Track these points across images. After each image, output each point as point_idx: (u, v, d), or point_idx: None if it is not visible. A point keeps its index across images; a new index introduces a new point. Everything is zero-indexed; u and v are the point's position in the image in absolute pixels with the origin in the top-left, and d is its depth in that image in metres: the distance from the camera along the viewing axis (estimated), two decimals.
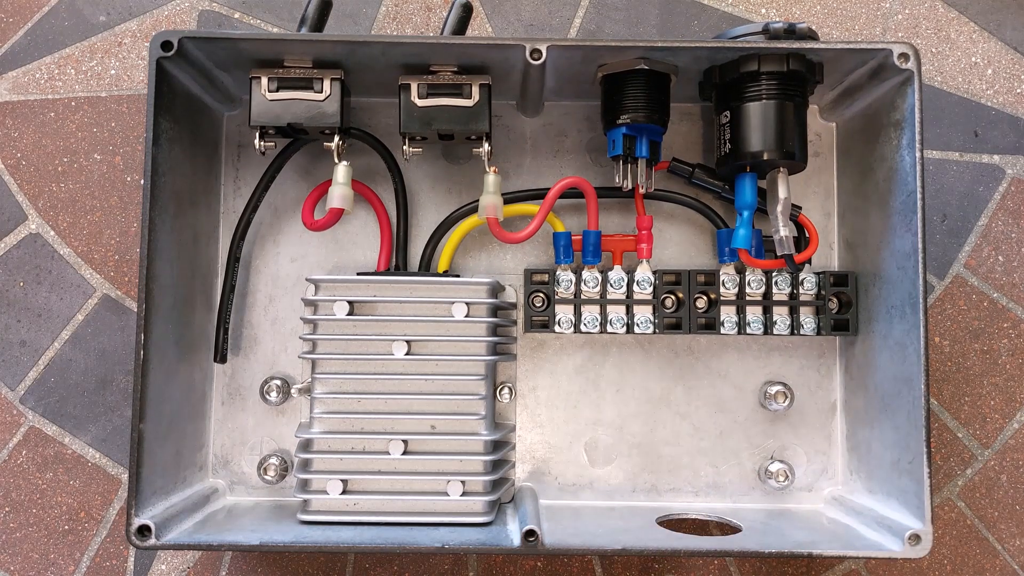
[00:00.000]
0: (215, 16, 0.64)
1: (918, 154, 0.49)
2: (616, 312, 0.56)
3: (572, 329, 0.56)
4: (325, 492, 0.52)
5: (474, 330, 0.53)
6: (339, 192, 0.53)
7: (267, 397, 0.58)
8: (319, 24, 0.54)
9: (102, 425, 0.61)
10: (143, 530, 0.47)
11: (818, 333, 0.56)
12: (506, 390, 0.58)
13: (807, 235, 0.58)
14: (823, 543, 0.50)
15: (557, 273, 0.56)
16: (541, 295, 0.57)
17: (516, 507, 0.55)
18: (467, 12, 0.54)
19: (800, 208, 0.58)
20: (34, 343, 0.61)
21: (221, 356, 0.56)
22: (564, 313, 0.56)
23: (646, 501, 0.58)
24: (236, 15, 0.64)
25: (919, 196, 0.49)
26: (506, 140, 0.60)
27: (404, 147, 0.53)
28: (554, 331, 0.56)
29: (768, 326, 0.56)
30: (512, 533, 0.50)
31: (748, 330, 0.56)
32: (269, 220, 0.59)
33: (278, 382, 0.58)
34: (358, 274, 0.55)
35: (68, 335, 0.61)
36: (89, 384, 0.61)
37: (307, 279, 0.54)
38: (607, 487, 0.58)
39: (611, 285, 0.56)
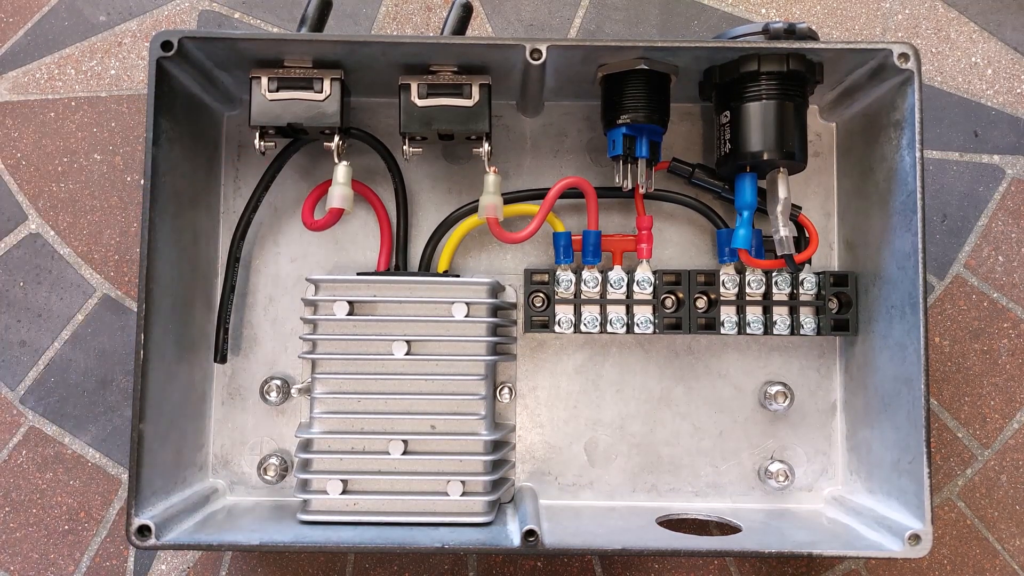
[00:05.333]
0: (215, 16, 0.64)
1: (918, 154, 0.49)
2: (616, 312, 0.56)
3: (572, 329, 0.56)
4: (325, 492, 0.52)
5: (474, 330, 0.53)
6: (339, 192, 0.53)
7: (267, 397, 0.58)
8: (319, 24, 0.54)
9: (102, 425, 0.61)
10: (143, 530, 0.47)
11: (818, 333, 0.56)
12: (506, 390, 0.58)
13: (807, 235, 0.58)
14: (823, 543, 0.50)
15: (557, 273, 0.56)
16: (541, 295, 0.57)
17: (516, 507, 0.55)
18: (467, 12, 0.54)
19: (800, 208, 0.58)
20: (34, 343, 0.61)
21: (221, 356, 0.56)
22: (564, 313, 0.56)
23: (646, 501, 0.58)
24: (236, 15, 0.64)
25: (919, 196, 0.49)
26: (506, 140, 0.60)
27: (404, 147, 0.53)
28: (554, 331, 0.56)
29: (768, 326, 0.56)
30: (512, 533, 0.50)
31: (748, 330, 0.56)
32: (269, 220, 0.59)
33: (278, 382, 0.58)
34: (358, 274, 0.55)
35: (68, 335, 0.61)
36: (89, 384, 0.61)
37: (307, 279, 0.54)
38: (607, 487, 0.58)
39: (611, 285, 0.56)
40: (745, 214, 0.54)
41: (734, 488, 0.58)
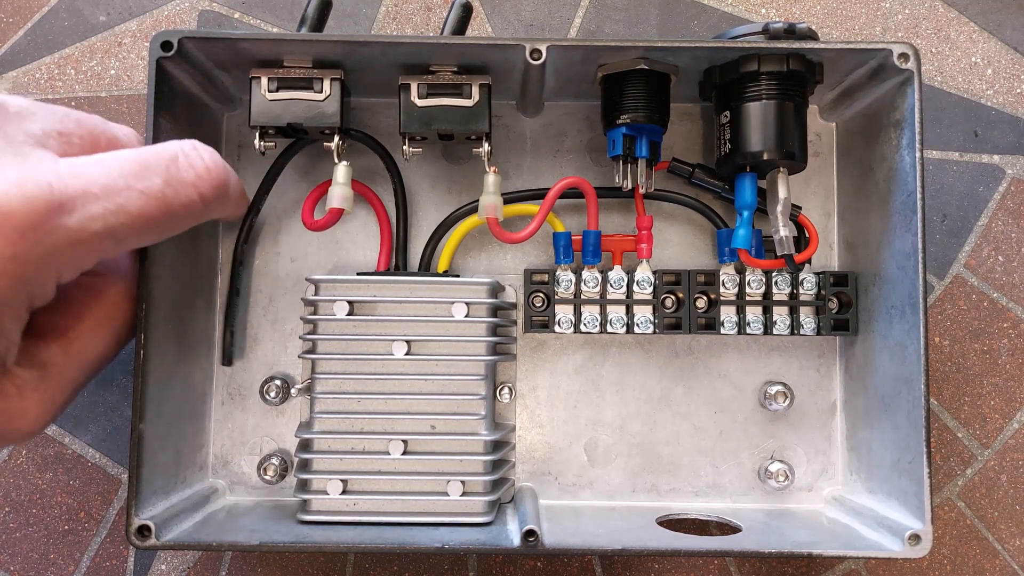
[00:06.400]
0: (215, 16, 0.64)
1: (918, 154, 0.49)
2: (616, 312, 0.56)
3: (572, 329, 0.56)
4: (325, 492, 0.52)
5: (474, 330, 0.53)
6: (339, 192, 0.53)
7: (267, 397, 0.58)
8: (319, 24, 0.54)
9: (102, 425, 0.61)
10: (143, 530, 0.47)
11: (818, 333, 0.56)
12: (506, 390, 0.58)
13: (807, 235, 0.58)
14: (823, 543, 0.50)
15: (557, 273, 0.56)
16: (541, 295, 0.57)
17: (516, 507, 0.55)
18: (467, 12, 0.54)
19: (800, 208, 0.58)
20: None
21: (227, 359, 0.56)
22: (564, 313, 0.56)
23: (646, 501, 0.58)
24: (236, 15, 0.64)
25: (919, 196, 0.49)
26: (506, 140, 0.60)
27: (404, 147, 0.53)
28: (554, 331, 0.56)
29: (768, 326, 0.56)
30: (512, 533, 0.50)
31: (748, 330, 0.56)
32: (269, 220, 0.59)
33: (278, 382, 0.58)
34: (358, 274, 0.55)
35: None
36: (89, 384, 0.61)
37: (307, 279, 0.54)
38: (607, 487, 0.58)
39: (611, 285, 0.56)
40: (745, 214, 0.54)
41: (734, 488, 0.58)
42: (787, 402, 0.58)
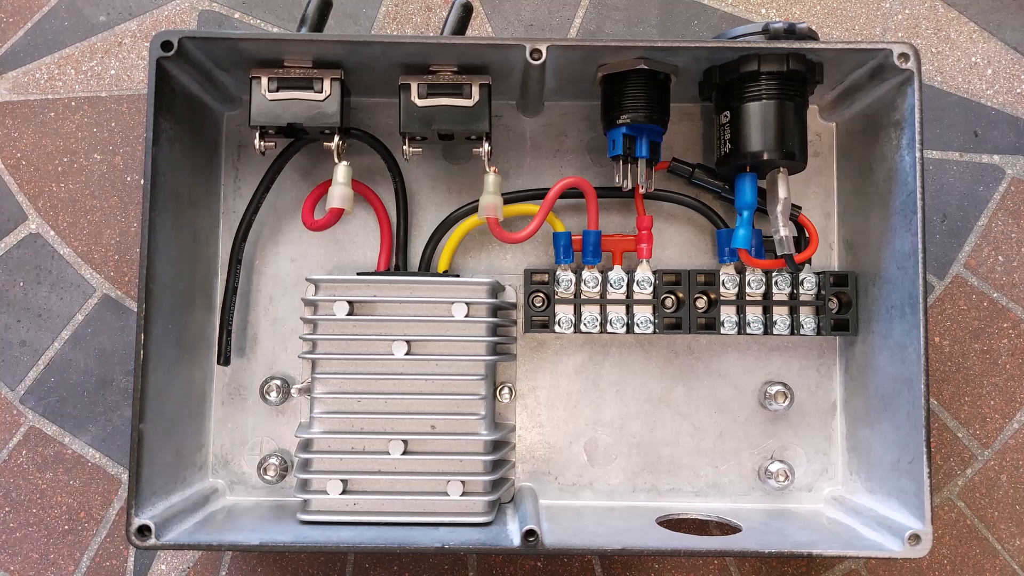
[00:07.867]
0: (215, 16, 0.64)
1: (918, 154, 0.49)
2: (616, 312, 0.56)
3: (572, 329, 0.56)
4: (325, 492, 0.52)
5: (474, 330, 0.53)
6: (339, 192, 0.53)
7: (267, 397, 0.58)
8: (319, 24, 0.54)
9: (102, 425, 0.61)
10: (143, 530, 0.47)
11: (818, 333, 0.56)
12: (506, 390, 0.58)
13: (807, 235, 0.58)
14: (823, 543, 0.50)
15: (557, 273, 0.56)
16: (541, 295, 0.57)
17: (516, 507, 0.55)
18: (467, 12, 0.54)
19: (800, 208, 0.58)
20: (34, 343, 0.61)
21: (225, 359, 0.56)
22: (564, 313, 0.56)
23: (646, 501, 0.58)
24: (236, 15, 0.64)
25: (919, 196, 0.49)
26: (506, 140, 0.60)
27: (404, 147, 0.53)
28: (554, 331, 0.56)
29: (768, 326, 0.56)
30: (512, 533, 0.50)
31: (748, 330, 0.56)
32: (269, 220, 0.59)
33: (278, 382, 0.58)
34: (358, 274, 0.55)
35: (68, 335, 0.61)
36: (89, 384, 0.61)
37: (307, 279, 0.54)
38: (607, 487, 0.58)
39: (611, 285, 0.56)
40: (745, 214, 0.54)
41: (734, 488, 0.58)
42: (787, 402, 0.58)
